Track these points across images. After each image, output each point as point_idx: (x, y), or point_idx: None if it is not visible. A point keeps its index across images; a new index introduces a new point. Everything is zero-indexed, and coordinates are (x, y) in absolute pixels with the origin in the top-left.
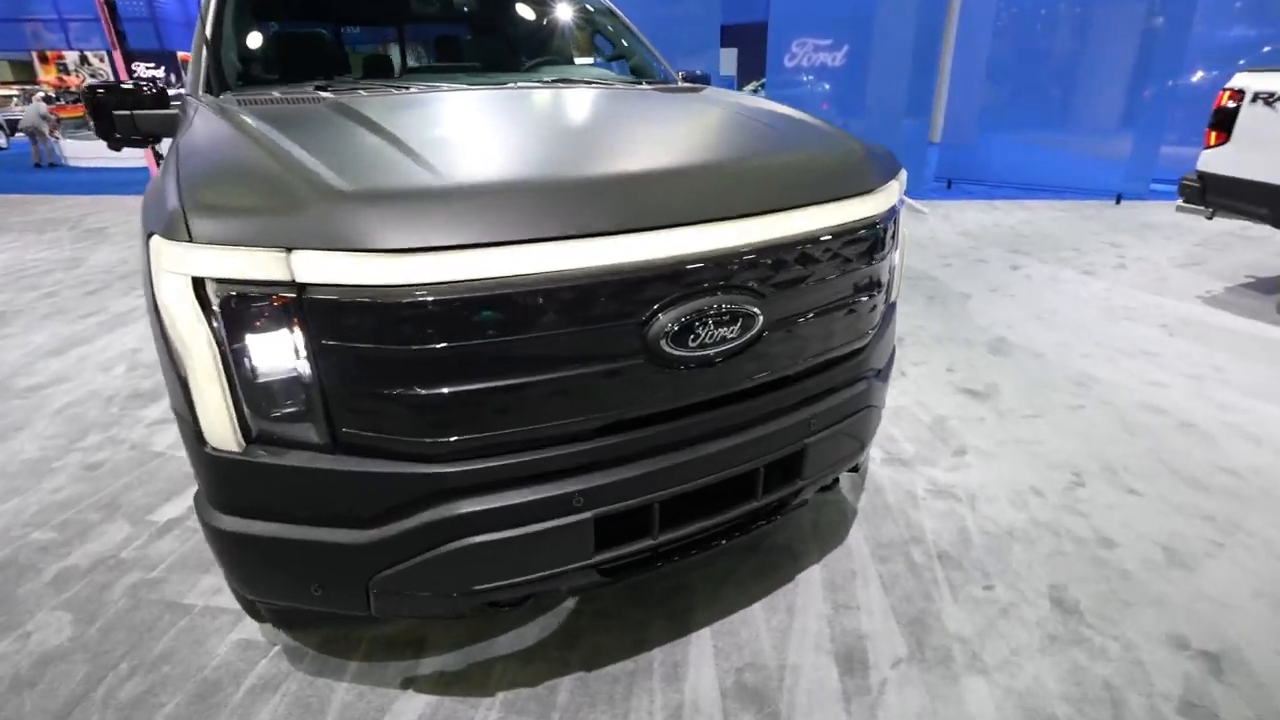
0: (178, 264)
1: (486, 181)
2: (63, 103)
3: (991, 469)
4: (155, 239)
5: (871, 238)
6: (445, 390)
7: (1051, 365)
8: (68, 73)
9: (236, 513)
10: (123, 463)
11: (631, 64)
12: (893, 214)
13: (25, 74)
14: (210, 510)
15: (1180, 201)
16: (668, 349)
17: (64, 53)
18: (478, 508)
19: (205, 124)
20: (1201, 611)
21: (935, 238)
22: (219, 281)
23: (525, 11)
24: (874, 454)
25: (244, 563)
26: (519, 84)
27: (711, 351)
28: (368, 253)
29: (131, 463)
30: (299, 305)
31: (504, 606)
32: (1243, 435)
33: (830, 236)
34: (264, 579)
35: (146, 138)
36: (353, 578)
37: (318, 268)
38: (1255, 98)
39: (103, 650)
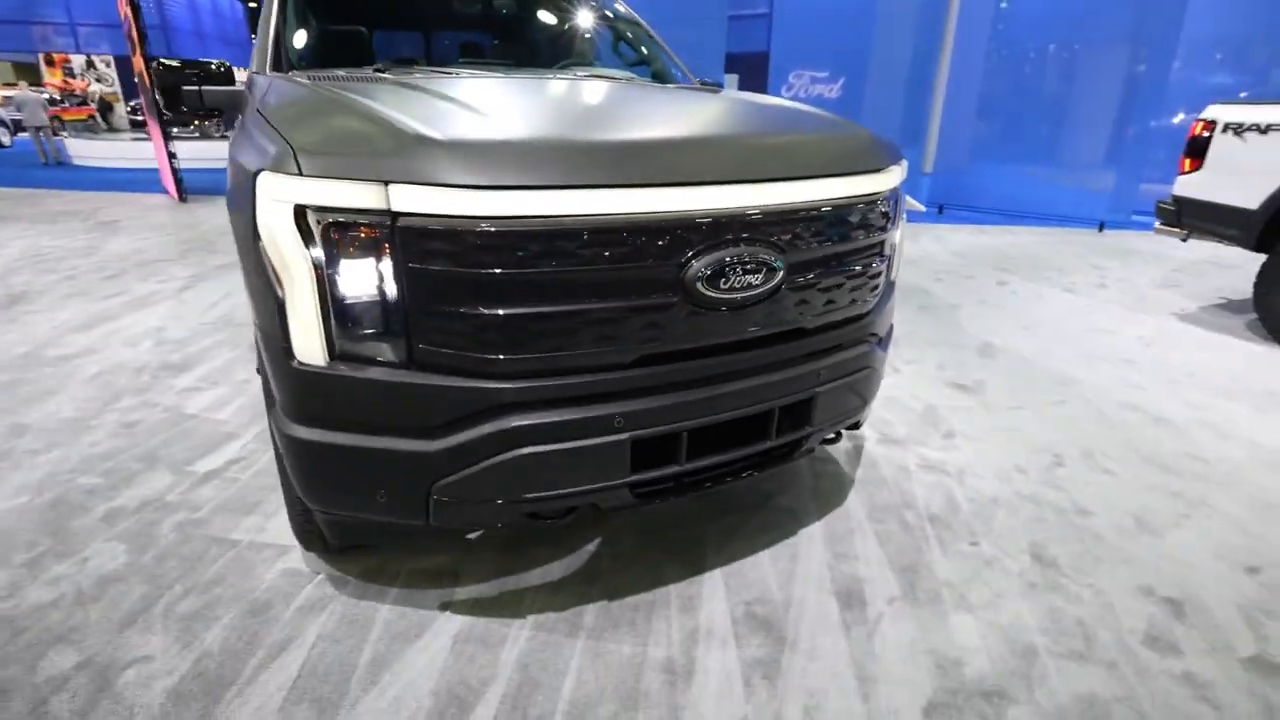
0: (285, 193)
1: (547, 136)
2: (67, 105)
3: (978, 450)
4: (264, 173)
5: (877, 211)
6: (508, 313)
7: (1035, 368)
8: (73, 76)
9: (315, 424)
10: (158, 423)
11: (653, 69)
12: (895, 195)
13: (30, 77)
14: (289, 423)
15: (1158, 224)
16: (702, 290)
17: (70, 56)
18: (531, 422)
19: (290, 90)
20: (1166, 568)
21: (928, 255)
22: (322, 209)
23: (553, 18)
24: (869, 434)
25: (316, 471)
26: (556, 75)
27: (738, 296)
28: (451, 188)
29: (167, 423)
30: (391, 232)
31: (546, 519)
32: (1212, 429)
33: (842, 204)
34: (333, 487)
35: (210, 111)
36: (416, 485)
37: (410, 199)
38: (1226, 128)
39: (157, 574)
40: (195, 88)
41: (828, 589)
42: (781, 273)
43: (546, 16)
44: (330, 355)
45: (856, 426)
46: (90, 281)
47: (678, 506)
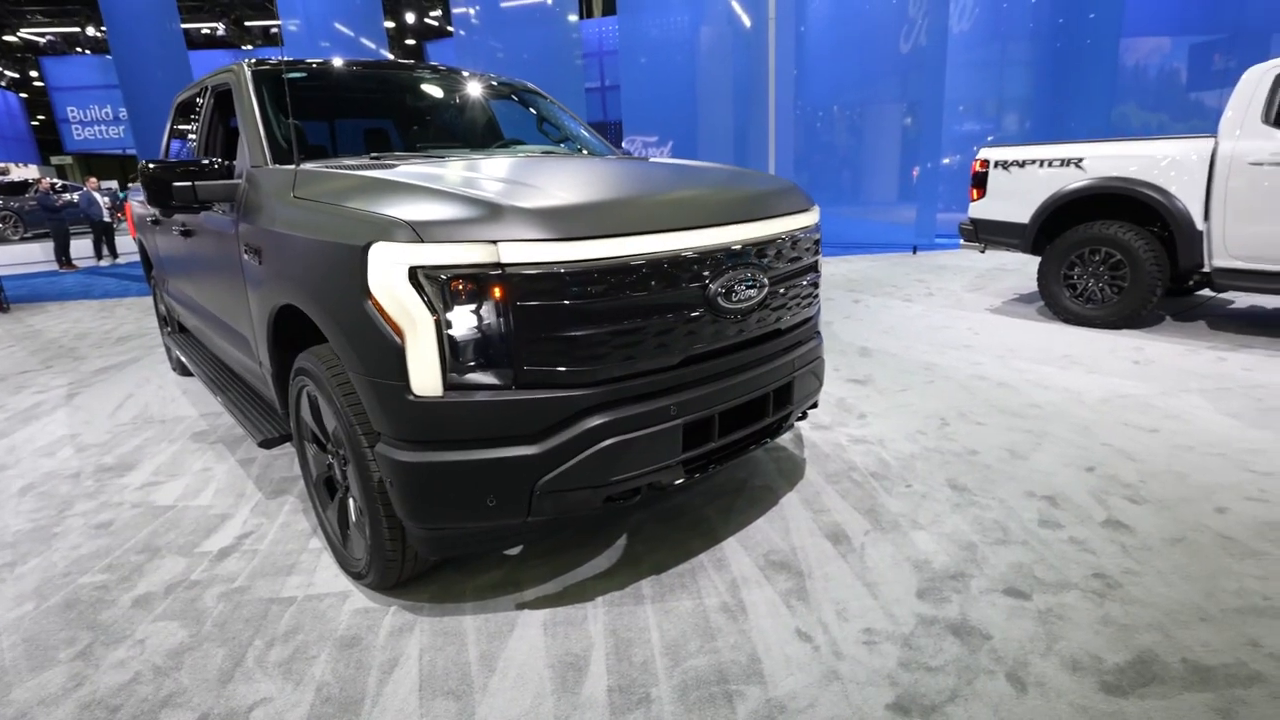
0: (400, 258)
1: (597, 199)
2: None
3: (887, 423)
4: (377, 244)
5: (814, 237)
6: (589, 333)
7: (904, 360)
8: None
9: (430, 447)
10: (135, 518)
11: (578, 144)
12: (819, 226)
13: None
14: (401, 451)
15: (962, 241)
16: (720, 303)
17: None
18: (610, 418)
19: (335, 179)
20: (1037, 478)
21: None
22: (438, 268)
23: (496, 106)
24: (803, 425)
25: (429, 489)
26: (522, 152)
27: (742, 306)
28: (543, 241)
29: (145, 517)
30: (502, 279)
31: (618, 500)
32: (1037, 385)
33: (794, 233)
34: (444, 501)
35: (201, 204)
36: (521, 484)
37: (514, 253)
38: (996, 164)
39: (229, 637)
40: (188, 183)
41: (818, 534)
42: (766, 286)
43: (491, 106)
44: (445, 386)
45: (815, 405)
46: None
47: (680, 498)
